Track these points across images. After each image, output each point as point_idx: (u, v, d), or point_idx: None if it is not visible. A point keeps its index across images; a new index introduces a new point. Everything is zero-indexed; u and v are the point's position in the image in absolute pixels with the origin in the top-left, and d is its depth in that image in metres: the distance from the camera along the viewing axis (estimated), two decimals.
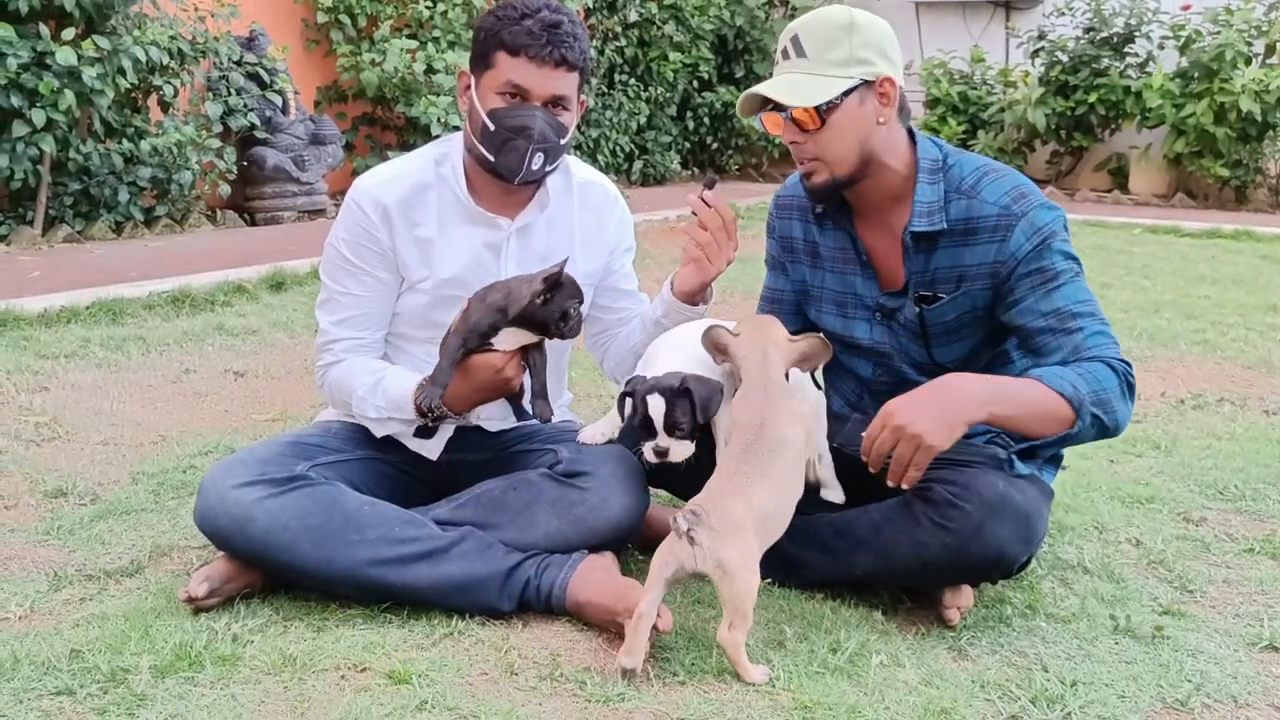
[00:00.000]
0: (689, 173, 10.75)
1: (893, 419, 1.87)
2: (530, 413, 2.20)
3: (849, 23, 2.03)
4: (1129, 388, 1.97)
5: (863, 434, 1.93)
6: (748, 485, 1.84)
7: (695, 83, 10.47)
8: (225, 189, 6.65)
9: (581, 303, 2.06)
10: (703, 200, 2.12)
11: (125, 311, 4.36)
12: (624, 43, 9.61)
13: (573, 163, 2.31)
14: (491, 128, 2.07)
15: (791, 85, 2.04)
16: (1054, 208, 2.08)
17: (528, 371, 2.13)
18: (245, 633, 1.88)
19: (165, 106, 6.32)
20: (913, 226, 2.10)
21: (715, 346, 2.04)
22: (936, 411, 1.86)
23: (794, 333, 2.12)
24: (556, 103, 2.10)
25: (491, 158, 2.10)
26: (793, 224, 2.33)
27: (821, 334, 2.15)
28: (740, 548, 1.78)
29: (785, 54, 2.07)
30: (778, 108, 2.06)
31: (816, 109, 2.02)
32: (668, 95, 10.08)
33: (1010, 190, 2.06)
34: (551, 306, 2.01)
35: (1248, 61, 8.65)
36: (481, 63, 2.11)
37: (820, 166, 2.08)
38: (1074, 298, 2.02)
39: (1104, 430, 1.96)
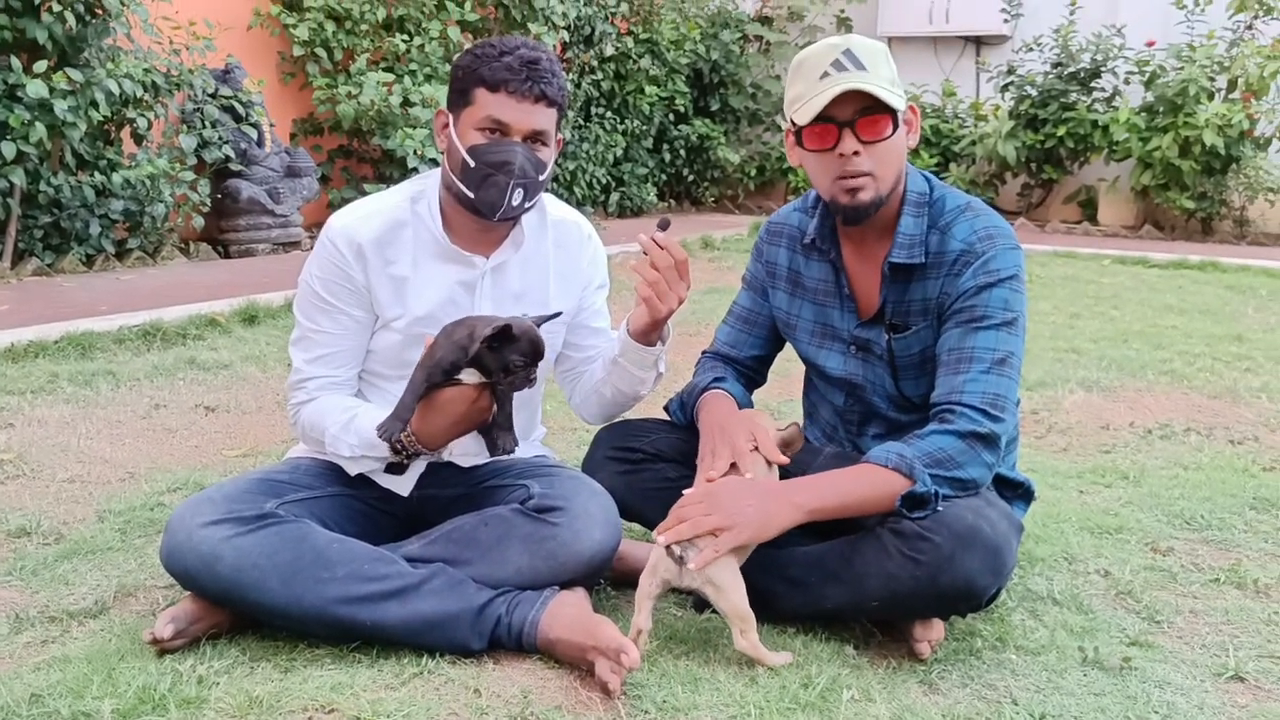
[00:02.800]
0: (666, 204, 10.81)
1: (715, 496, 1.97)
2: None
3: (886, 49, 2.10)
4: (978, 439, 1.99)
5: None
6: None
7: (671, 115, 10.56)
8: (199, 221, 6.63)
9: (535, 361, 2.02)
10: (654, 241, 2.11)
11: (95, 346, 4.32)
12: (600, 76, 9.68)
13: (548, 200, 2.32)
14: (472, 164, 2.08)
15: (875, 88, 2.03)
16: (1016, 251, 2.10)
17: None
18: (211, 674, 1.85)
19: (139, 139, 6.31)
20: (892, 258, 2.14)
21: None
22: (757, 512, 1.95)
23: (758, 359, 2.43)
24: (536, 138, 2.11)
25: (471, 194, 2.10)
26: (780, 251, 2.36)
27: (798, 423, 2.24)
28: (725, 562, 1.92)
29: (839, 66, 2.03)
30: (830, 121, 2.04)
31: (894, 117, 2.05)
32: (644, 128, 10.15)
33: (980, 229, 2.10)
34: (496, 356, 1.99)
35: (1210, 96, 8.81)
36: (460, 100, 2.12)
37: (870, 183, 2.07)
38: (985, 343, 2.05)
39: (962, 487, 1.99)
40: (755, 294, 2.44)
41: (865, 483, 2.01)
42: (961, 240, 2.10)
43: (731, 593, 1.91)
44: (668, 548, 1.92)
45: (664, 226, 2.13)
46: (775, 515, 1.96)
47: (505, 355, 1.99)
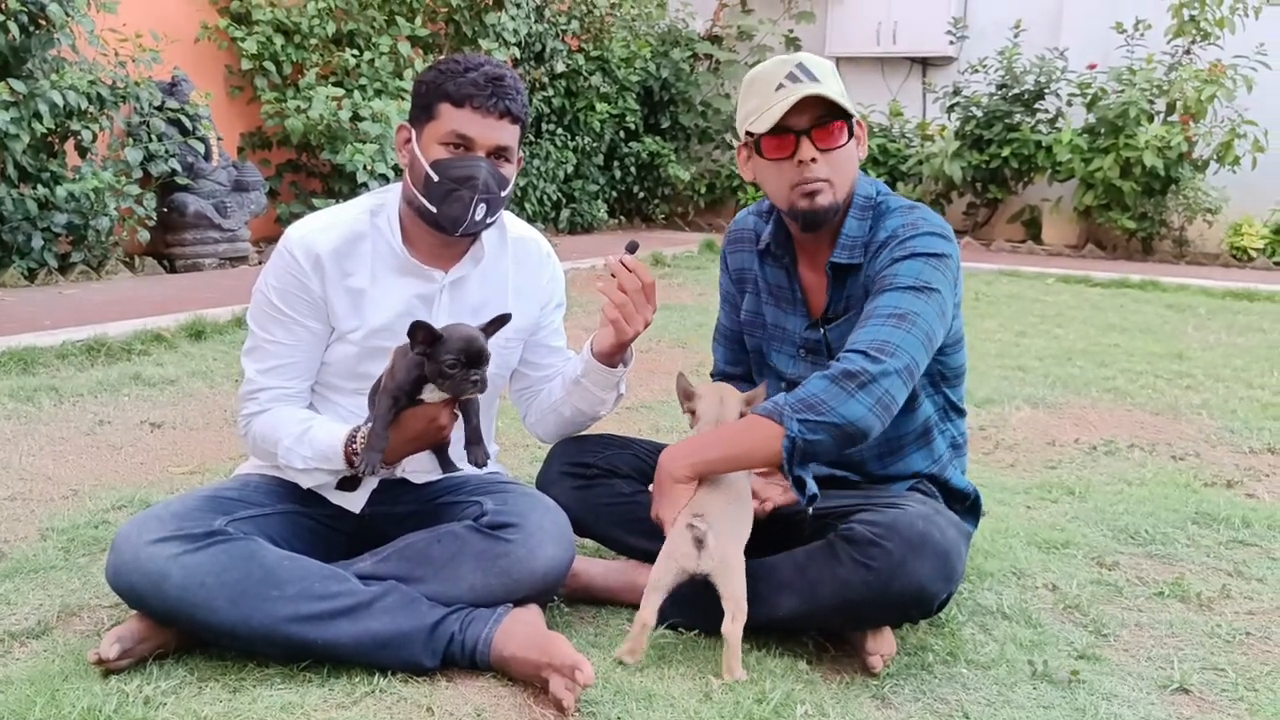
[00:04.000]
0: (616, 221, 10.83)
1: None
2: (456, 465, 2.20)
3: (834, 65, 2.15)
4: (849, 378, 1.96)
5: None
6: (718, 495, 2.04)
7: (622, 133, 10.59)
8: (144, 235, 6.53)
9: (468, 363, 2.00)
10: (622, 263, 2.14)
11: (37, 361, 4.23)
12: (551, 93, 9.69)
13: (507, 218, 2.32)
14: (435, 178, 2.08)
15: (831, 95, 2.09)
16: (940, 238, 2.12)
17: (460, 418, 2.13)
18: (158, 695, 1.82)
19: (83, 151, 6.21)
20: (833, 258, 2.19)
21: (684, 392, 2.20)
22: (658, 491, 2.05)
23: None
24: (499, 154, 2.12)
25: (434, 209, 2.10)
26: (744, 255, 2.40)
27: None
28: (737, 546, 2.00)
29: (794, 78, 2.09)
30: (788, 130, 2.09)
31: (848, 125, 2.11)
32: (595, 144, 10.17)
33: (909, 221, 2.15)
34: (432, 362, 1.99)
35: (1150, 119, 9.02)
36: (424, 115, 2.12)
37: (827, 188, 2.12)
38: (886, 302, 2.06)
39: (840, 431, 1.96)
40: (731, 309, 2.48)
41: (748, 434, 2.04)
42: (888, 230, 2.15)
43: (739, 576, 1.97)
44: (690, 526, 1.96)
45: (632, 249, 2.17)
46: (670, 479, 2.03)
47: (438, 358, 1.99)
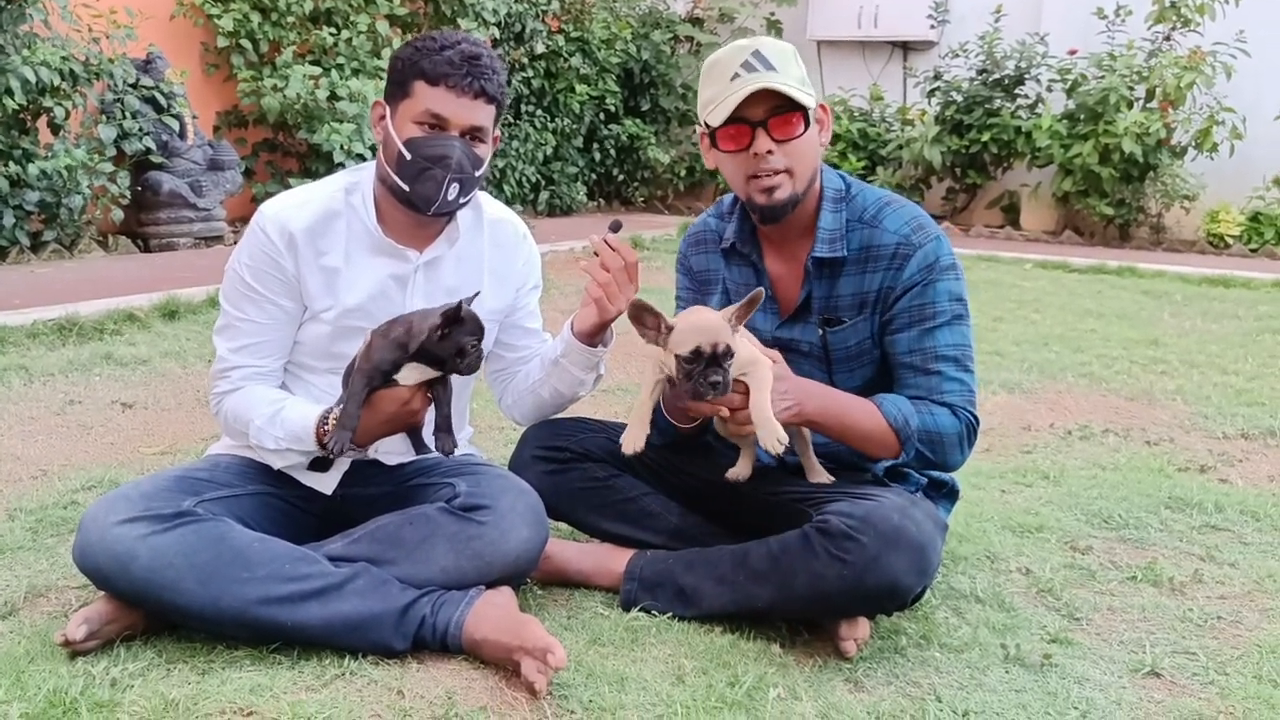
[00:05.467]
0: (595, 204, 10.79)
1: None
2: (430, 446, 2.18)
3: (794, 50, 2.12)
4: (969, 435, 2.14)
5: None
6: None
7: (602, 115, 10.54)
8: (118, 214, 6.46)
9: (481, 339, 2.04)
10: (605, 242, 2.12)
11: (7, 340, 4.18)
12: (531, 74, 9.63)
13: (484, 199, 2.30)
14: (408, 157, 2.06)
15: (785, 87, 2.05)
16: (945, 238, 2.17)
17: (432, 404, 2.11)
18: (125, 677, 1.80)
19: (56, 129, 6.13)
20: (815, 252, 2.16)
21: (648, 315, 2.03)
22: (771, 399, 2.00)
23: None
24: (474, 134, 2.09)
25: (406, 187, 2.08)
26: (708, 257, 2.36)
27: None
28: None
29: (749, 67, 2.05)
30: (743, 121, 2.06)
31: (804, 115, 2.07)
32: (574, 126, 10.12)
33: (909, 220, 2.15)
34: (449, 342, 1.99)
35: (1129, 105, 9.04)
36: (399, 92, 2.09)
37: (785, 181, 2.10)
38: (945, 340, 2.13)
39: (932, 465, 2.16)
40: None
41: (866, 422, 2.09)
42: (894, 231, 2.13)
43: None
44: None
45: (616, 228, 2.16)
46: (800, 406, 2.05)
47: (457, 338, 1.99)
